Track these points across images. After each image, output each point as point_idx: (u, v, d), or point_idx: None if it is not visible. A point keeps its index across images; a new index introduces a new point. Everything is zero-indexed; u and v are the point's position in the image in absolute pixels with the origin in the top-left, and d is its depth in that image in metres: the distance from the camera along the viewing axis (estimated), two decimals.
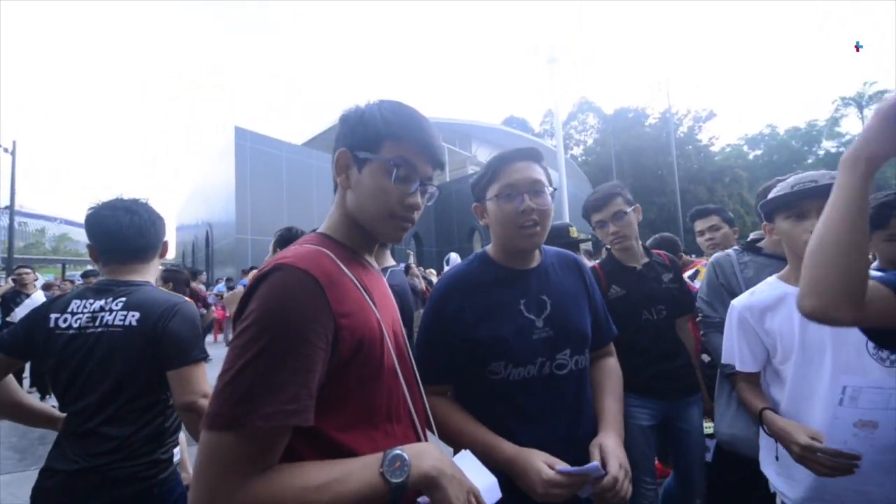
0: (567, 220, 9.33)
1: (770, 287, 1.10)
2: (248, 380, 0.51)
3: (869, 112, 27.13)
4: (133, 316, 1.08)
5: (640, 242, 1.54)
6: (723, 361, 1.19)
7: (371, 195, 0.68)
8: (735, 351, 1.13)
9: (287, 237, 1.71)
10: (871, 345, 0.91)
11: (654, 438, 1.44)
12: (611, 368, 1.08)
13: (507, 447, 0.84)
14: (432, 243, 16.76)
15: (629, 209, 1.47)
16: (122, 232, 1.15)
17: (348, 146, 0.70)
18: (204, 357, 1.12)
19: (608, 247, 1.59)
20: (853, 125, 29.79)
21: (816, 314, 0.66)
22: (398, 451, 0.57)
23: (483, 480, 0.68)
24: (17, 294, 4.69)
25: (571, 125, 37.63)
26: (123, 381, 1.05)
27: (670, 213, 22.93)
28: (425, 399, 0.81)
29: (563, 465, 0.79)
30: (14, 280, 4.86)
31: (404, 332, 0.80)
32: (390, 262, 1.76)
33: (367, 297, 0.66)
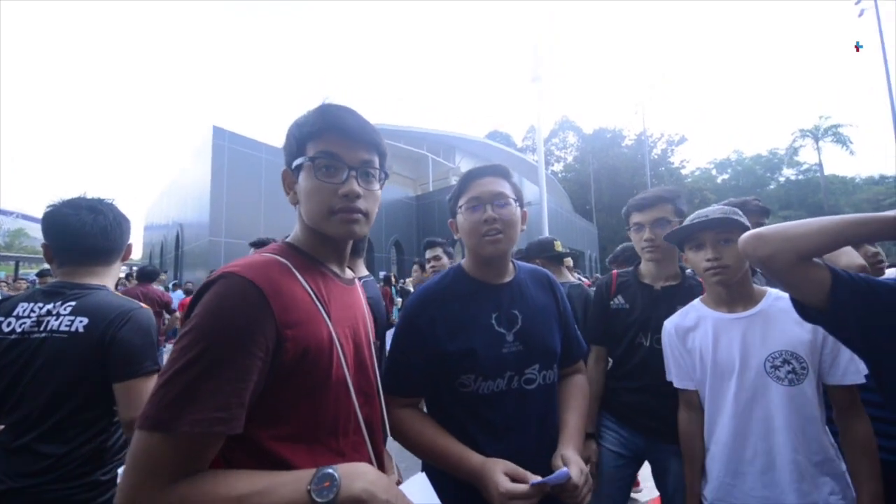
0: (546, 233, 9.50)
1: (694, 309, 1.20)
2: (180, 384, 0.52)
3: (824, 144, 29.25)
4: (81, 322, 1.01)
5: (677, 263, 1.38)
6: (667, 378, 1.23)
7: (308, 197, 0.69)
8: (669, 367, 1.22)
9: (259, 244, 1.68)
10: (768, 365, 1.02)
11: (626, 470, 1.35)
12: (577, 385, 1.09)
13: (475, 459, 0.85)
14: (413, 252, 16.71)
15: (675, 220, 1.33)
16: (84, 231, 1.08)
17: (286, 164, 0.73)
18: (156, 369, 1.01)
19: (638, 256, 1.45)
20: (810, 156, 32.02)
21: (758, 246, 0.78)
22: (330, 470, 0.55)
23: None
24: None
25: (553, 142, 38.74)
26: (64, 392, 0.97)
27: None
28: (385, 413, 0.80)
29: (535, 478, 0.79)
30: None
31: (373, 344, 0.79)
32: (363, 272, 1.73)
33: (320, 307, 0.66)
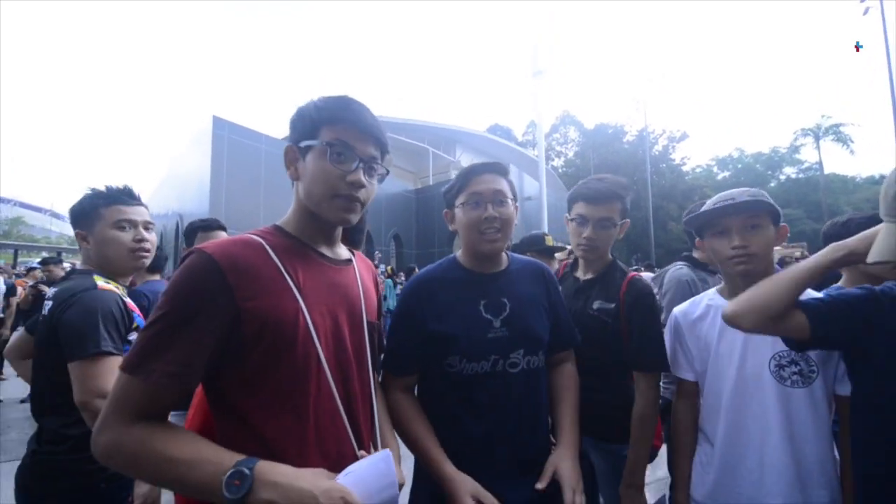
0: (546, 228, 9.50)
1: (706, 298, 1.17)
2: (147, 339, 0.61)
3: (824, 143, 29.17)
4: (48, 305, 1.09)
5: (609, 258, 1.32)
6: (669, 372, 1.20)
7: (314, 178, 0.73)
8: (670, 356, 1.18)
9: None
10: (773, 364, 0.99)
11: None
12: (568, 374, 1.12)
13: (448, 469, 0.90)
14: (412, 245, 16.70)
15: (619, 223, 1.26)
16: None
17: (293, 141, 0.76)
18: (105, 352, 0.98)
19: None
20: (811, 154, 31.93)
21: (737, 321, 0.91)
22: (245, 469, 0.55)
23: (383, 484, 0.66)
24: None
25: (553, 137, 38.51)
26: (50, 372, 1.05)
27: (643, 228, 23.77)
28: (374, 390, 0.85)
29: None
30: None
31: (368, 324, 0.82)
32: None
33: (291, 283, 0.69)
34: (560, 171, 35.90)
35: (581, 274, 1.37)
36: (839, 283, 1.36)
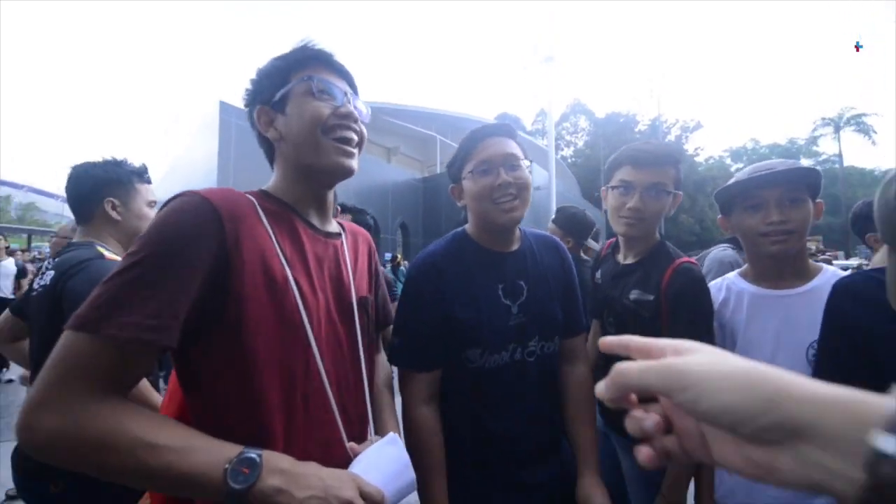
0: None
1: (728, 282, 1.07)
2: (115, 287, 0.49)
3: (845, 134, 28.32)
4: (49, 275, 1.05)
5: (656, 238, 1.12)
6: None
7: (301, 119, 0.66)
8: None
9: None
10: (811, 352, 0.89)
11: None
12: (582, 384, 1.01)
13: None
14: (419, 234, 16.69)
15: (671, 192, 1.05)
16: (67, 195, 1.15)
17: (263, 102, 0.69)
18: None
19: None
20: (829, 146, 31.04)
21: None
22: (254, 455, 0.49)
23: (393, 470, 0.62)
24: None
25: (563, 126, 37.88)
26: (44, 348, 1.01)
27: None
28: (365, 370, 0.74)
29: None
30: None
31: (359, 300, 0.75)
32: None
33: (279, 252, 0.62)
34: (569, 160, 35.40)
35: (622, 257, 1.17)
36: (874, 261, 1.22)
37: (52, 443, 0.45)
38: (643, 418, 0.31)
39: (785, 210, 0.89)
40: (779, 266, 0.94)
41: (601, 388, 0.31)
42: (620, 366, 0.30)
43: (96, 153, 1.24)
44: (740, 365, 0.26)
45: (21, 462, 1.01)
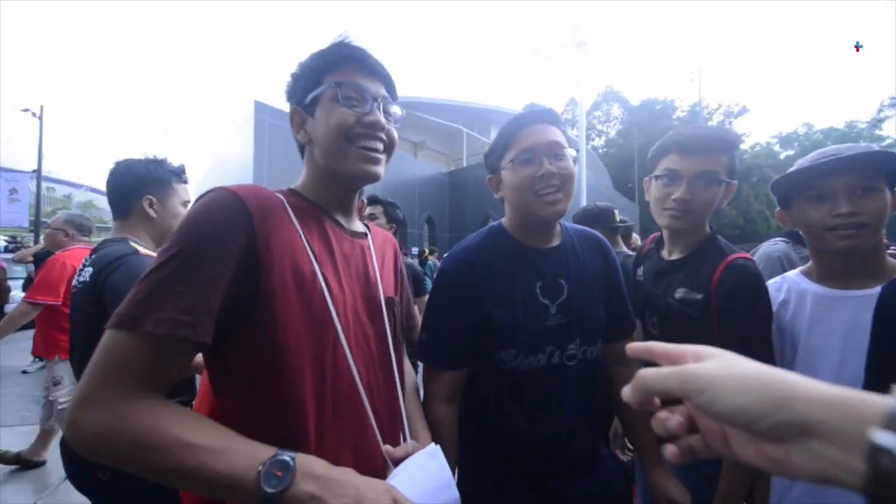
0: None
1: (788, 281, 0.98)
2: (151, 285, 0.51)
3: None
4: (88, 271, 1.06)
5: (706, 232, 1.02)
6: None
7: (327, 126, 0.66)
8: None
9: None
10: None
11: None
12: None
13: None
14: (445, 228, 16.72)
15: (724, 182, 0.95)
16: (107, 192, 1.17)
17: (297, 103, 0.70)
18: None
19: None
20: (894, 130, 28.10)
21: None
22: (287, 458, 0.48)
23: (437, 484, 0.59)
24: (48, 254, 4.92)
25: (595, 115, 36.55)
26: (89, 342, 1.02)
27: None
28: (398, 373, 0.74)
29: None
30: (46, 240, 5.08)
31: (387, 300, 0.74)
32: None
33: (308, 249, 0.62)
34: (600, 151, 34.16)
35: (666, 252, 1.09)
36: None
37: (95, 439, 0.47)
38: (667, 419, 0.34)
39: (855, 200, 0.79)
40: (848, 264, 0.84)
41: (626, 392, 0.34)
42: (643, 372, 0.33)
43: (139, 152, 1.27)
44: (752, 368, 0.29)
45: (69, 450, 1.04)
